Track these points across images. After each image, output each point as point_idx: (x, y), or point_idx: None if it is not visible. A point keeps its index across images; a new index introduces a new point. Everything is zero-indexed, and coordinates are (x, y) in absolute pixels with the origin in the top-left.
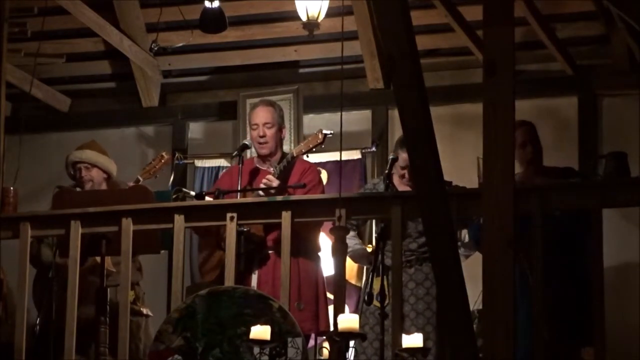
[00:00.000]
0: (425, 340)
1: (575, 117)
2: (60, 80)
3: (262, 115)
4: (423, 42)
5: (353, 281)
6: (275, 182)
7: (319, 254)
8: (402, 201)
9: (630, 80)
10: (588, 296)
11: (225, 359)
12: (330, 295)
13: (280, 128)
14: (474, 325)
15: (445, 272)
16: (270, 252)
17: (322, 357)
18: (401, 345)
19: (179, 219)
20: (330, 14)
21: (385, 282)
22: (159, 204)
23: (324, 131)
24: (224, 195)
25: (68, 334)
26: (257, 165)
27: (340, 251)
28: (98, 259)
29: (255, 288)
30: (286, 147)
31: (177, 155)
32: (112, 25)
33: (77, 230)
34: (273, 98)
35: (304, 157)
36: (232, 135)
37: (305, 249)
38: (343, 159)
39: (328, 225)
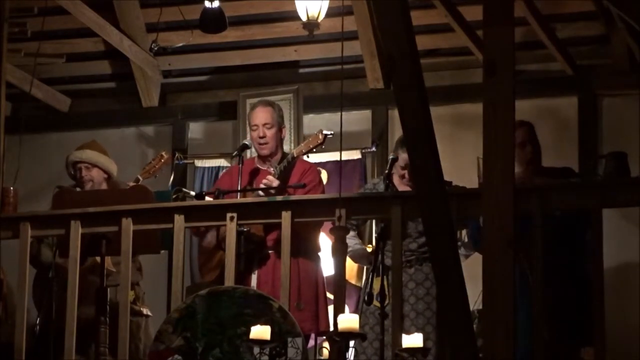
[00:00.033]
0: (425, 340)
1: (575, 117)
2: (60, 80)
3: (261, 115)
4: (423, 42)
5: (353, 281)
6: (276, 182)
7: (319, 254)
8: (402, 201)
9: (630, 80)
10: (588, 296)
11: (225, 359)
12: (330, 295)
13: (280, 128)
14: (474, 325)
15: (445, 272)
16: (270, 252)
17: (322, 357)
18: (401, 345)
19: (179, 219)
20: (330, 14)
21: (385, 282)
22: (159, 204)
23: (324, 131)
24: (224, 195)
25: (68, 334)
26: (258, 165)
27: (340, 251)
28: (98, 258)
29: (255, 288)
30: (286, 147)
31: (177, 155)
32: (112, 25)
33: (77, 230)
34: (273, 98)
35: (305, 157)
36: (232, 135)
37: (305, 249)
38: (343, 159)
39: (328, 225)
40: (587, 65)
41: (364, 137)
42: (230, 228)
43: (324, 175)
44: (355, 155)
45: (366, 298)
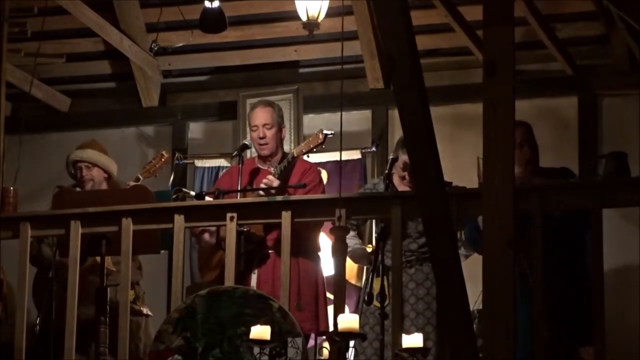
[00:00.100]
0: (425, 340)
1: (575, 117)
2: (60, 80)
3: (261, 116)
4: (423, 42)
5: (353, 281)
6: (276, 182)
7: (319, 253)
8: (402, 201)
9: (630, 80)
10: (588, 296)
11: (225, 359)
12: (330, 295)
13: (280, 128)
14: (474, 325)
15: (445, 272)
16: (270, 251)
17: (322, 357)
18: (401, 345)
19: (179, 219)
20: (330, 14)
21: (385, 282)
22: (159, 204)
23: (325, 131)
24: (224, 195)
25: (68, 334)
26: (258, 165)
27: (340, 251)
28: (98, 258)
29: (255, 288)
30: (286, 147)
31: (177, 155)
32: (112, 25)
33: (77, 230)
34: (273, 98)
35: (305, 157)
36: (232, 135)
37: (305, 249)
38: (343, 159)
39: (328, 225)
40: (587, 65)
41: (364, 137)
42: (230, 228)
43: (324, 175)
44: (355, 155)
45: (366, 298)
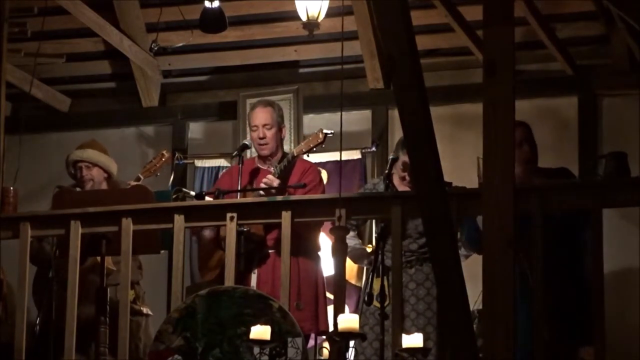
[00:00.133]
0: (425, 340)
1: (575, 117)
2: (60, 80)
3: (261, 116)
4: (423, 42)
5: (353, 281)
6: (276, 182)
7: (319, 253)
8: (402, 201)
9: (630, 80)
10: (588, 296)
11: (225, 359)
12: (330, 295)
13: (280, 128)
14: (474, 325)
15: (445, 272)
16: (270, 251)
17: (322, 357)
18: (401, 345)
19: (179, 219)
20: (330, 14)
21: (385, 283)
22: (159, 204)
23: (325, 130)
24: (224, 195)
25: (68, 333)
26: (258, 165)
27: (340, 251)
28: (98, 258)
29: (255, 287)
30: (286, 147)
31: (177, 155)
32: (112, 25)
33: (77, 230)
34: (273, 98)
35: (305, 156)
36: (232, 135)
37: (305, 249)
38: (343, 159)
39: (328, 225)
40: (587, 65)
41: (364, 137)
42: (230, 228)
43: (324, 175)
44: (355, 155)
45: (366, 298)
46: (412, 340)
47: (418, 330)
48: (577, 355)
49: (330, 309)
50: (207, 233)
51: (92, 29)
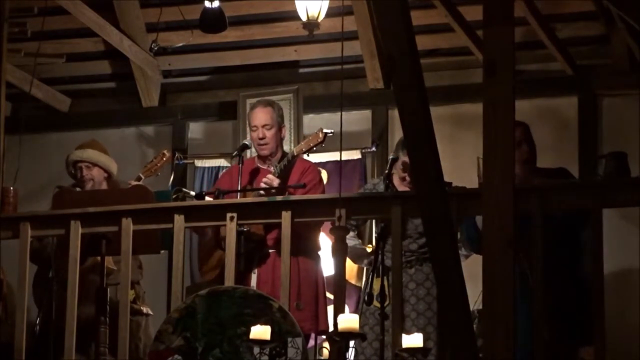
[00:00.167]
0: (426, 340)
1: (575, 117)
2: (60, 80)
3: (260, 116)
4: (423, 42)
5: (353, 281)
6: (276, 182)
7: (319, 253)
8: (402, 201)
9: (630, 80)
10: (588, 296)
11: (225, 359)
12: (330, 295)
13: (279, 128)
14: (474, 325)
15: (445, 272)
16: (270, 251)
17: (322, 357)
18: (401, 345)
19: (179, 219)
20: (330, 14)
21: (385, 283)
22: (159, 204)
23: (325, 130)
24: (224, 195)
25: (68, 333)
26: (258, 165)
27: (340, 251)
28: (98, 258)
29: (255, 287)
30: (286, 147)
31: (177, 155)
32: (112, 25)
33: (77, 230)
34: (273, 98)
35: (305, 156)
36: (232, 135)
37: (305, 249)
38: (343, 159)
39: (328, 225)
40: (587, 65)
41: (364, 137)
42: (230, 228)
43: (324, 175)
44: (355, 155)
45: (366, 298)
46: (412, 340)
47: (418, 330)
48: (577, 355)
49: (330, 309)
50: (210, 232)
51: (92, 29)
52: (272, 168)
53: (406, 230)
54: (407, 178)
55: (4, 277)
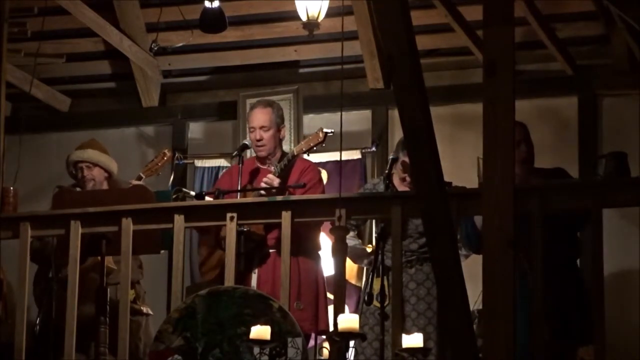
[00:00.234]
0: (426, 340)
1: (575, 117)
2: (60, 80)
3: (258, 118)
4: (423, 42)
5: (353, 281)
6: (276, 182)
7: (319, 253)
8: (402, 201)
9: (630, 80)
10: (588, 296)
11: (225, 359)
12: (330, 295)
13: (278, 129)
14: (474, 325)
15: (445, 272)
16: (270, 251)
17: (322, 357)
18: (401, 345)
19: (179, 219)
20: (330, 14)
21: (385, 283)
22: (159, 204)
23: (325, 130)
24: (224, 195)
25: (68, 333)
26: (258, 165)
27: (340, 251)
28: (99, 258)
29: (255, 287)
30: (286, 147)
31: (177, 155)
32: (112, 25)
33: (77, 230)
34: (273, 98)
35: (305, 156)
36: (232, 135)
37: (305, 248)
38: (343, 159)
39: (328, 225)
40: (587, 65)
41: (364, 137)
42: (230, 228)
43: (324, 175)
44: (355, 155)
45: (366, 298)
46: (412, 340)
47: (419, 330)
48: (576, 355)
49: (331, 309)
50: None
51: (92, 29)
52: (272, 168)
53: (406, 230)
54: (407, 178)
55: (4, 276)
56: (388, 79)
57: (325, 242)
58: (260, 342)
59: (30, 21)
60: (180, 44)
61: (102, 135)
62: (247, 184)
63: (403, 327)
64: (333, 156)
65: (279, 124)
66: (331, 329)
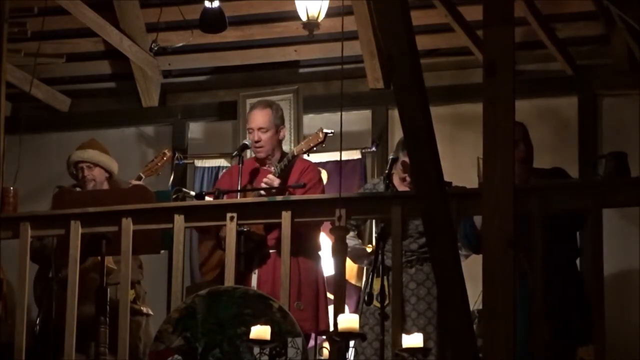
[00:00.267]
0: (426, 340)
1: (575, 117)
2: (60, 80)
3: (257, 119)
4: (423, 42)
5: (353, 281)
6: (276, 182)
7: (319, 253)
8: (402, 201)
9: (630, 80)
10: (587, 296)
11: (225, 359)
12: (330, 295)
13: (277, 130)
14: (474, 325)
15: (445, 272)
16: (271, 251)
17: (322, 357)
18: (401, 345)
19: (179, 219)
20: (330, 14)
21: (385, 283)
22: (159, 204)
23: (325, 130)
24: (224, 195)
25: (68, 333)
26: (258, 165)
27: (340, 251)
28: (99, 258)
29: (255, 287)
30: (286, 147)
31: (177, 155)
32: (112, 25)
33: (77, 230)
34: (273, 98)
35: (305, 156)
36: (232, 135)
37: (305, 248)
38: (343, 159)
39: (328, 225)
40: (587, 65)
41: (364, 137)
42: (230, 228)
43: (323, 175)
44: (355, 155)
45: (366, 298)
46: (412, 340)
47: (419, 330)
48: (576, 355)
49: (331, 309)
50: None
51: (92, 29)
52: (273, 168)
53: (406, 230)
54: (407, 178)
55: (4, 276)
56: (388, 79)
57: (325, 242)
58: (260, 342)
59: (30, 21)
60: (180, 44)
61: (102, 135)
62: (247, 184)
63: (403, 327)
64: (333, 156)
65: (278, 125)
66: (331, 329)
